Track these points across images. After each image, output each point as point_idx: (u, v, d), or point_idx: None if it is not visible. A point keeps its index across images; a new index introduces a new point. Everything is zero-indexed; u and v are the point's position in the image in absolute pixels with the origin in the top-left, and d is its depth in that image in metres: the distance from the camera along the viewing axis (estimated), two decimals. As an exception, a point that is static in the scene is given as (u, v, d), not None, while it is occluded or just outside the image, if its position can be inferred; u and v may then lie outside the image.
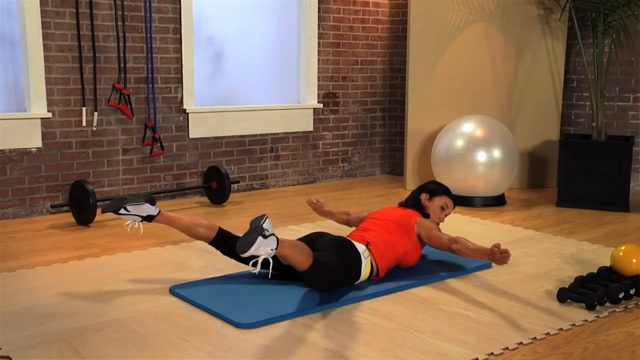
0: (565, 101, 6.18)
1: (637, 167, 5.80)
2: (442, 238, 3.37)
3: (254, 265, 2.68)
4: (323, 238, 3.20)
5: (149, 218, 3.23)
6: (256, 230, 2.64)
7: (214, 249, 3.34)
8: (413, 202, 3.68)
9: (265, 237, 2.63)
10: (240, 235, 3.38)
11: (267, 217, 2.74)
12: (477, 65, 5.84)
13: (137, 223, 3.23)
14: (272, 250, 2.67)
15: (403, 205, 3.71)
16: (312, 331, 2.71)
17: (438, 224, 3.62)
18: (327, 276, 3.00)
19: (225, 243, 3.27)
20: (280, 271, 3.14)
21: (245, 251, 2.60)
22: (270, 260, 2.78)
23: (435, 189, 3.70)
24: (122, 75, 5.04)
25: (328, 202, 5.34)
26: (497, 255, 3.07)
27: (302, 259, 2.83)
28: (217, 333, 2.69)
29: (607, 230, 4.45)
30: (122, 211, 3.16)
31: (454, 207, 3.74)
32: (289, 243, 2.80)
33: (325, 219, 4.70)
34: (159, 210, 3.25)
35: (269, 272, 2.89)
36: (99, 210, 4.75)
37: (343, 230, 4.03)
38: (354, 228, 3.91)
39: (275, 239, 2.68)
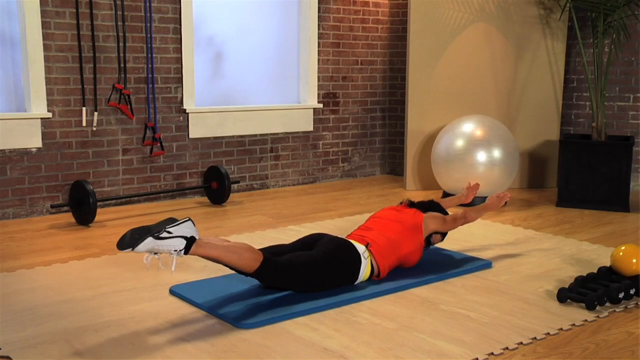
0: (565, 101, 6.18)
1: (637, 167, 5.80)
2: (456, 219, 3.61)
3: (174, 267, 2.68)
4: (323, 239, 3.20)
5: (190, 242, 2.70)
6: (147, 230, 2.61)
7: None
8: (416, 203, 3.67)
9: (158, 238, 2.61)
10: (239, 237, 3.39)
11: (186, 221, 2.71)
12: (477, 65, 5.84)
13: (172, 253, 2.65)
14: (175, 251, 2.66)
15: (403, 204, 3.69)
16: (312, 331, 2.71)
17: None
18: (290, 276, 2.97)
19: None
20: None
21: (123, 248, 2.57)
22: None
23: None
24: (122, 75, 5.04)
25: (328, 202, 5.35)
26: (495, 200, 3.74)
27: (239, 263, 2.83)
28: (217, 333, 2.69)
29: (607, 230, 4.45)
30: (163, 234, 2.62)
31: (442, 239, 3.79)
32: (220, 246, 2.79)
33: (324, 220, 4.70)
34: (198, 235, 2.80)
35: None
36: (99, 210, 4.75)
37: (343, 230, 4.03)
38: (355, 228, 3.91)
39: (182, 241, 2.66)
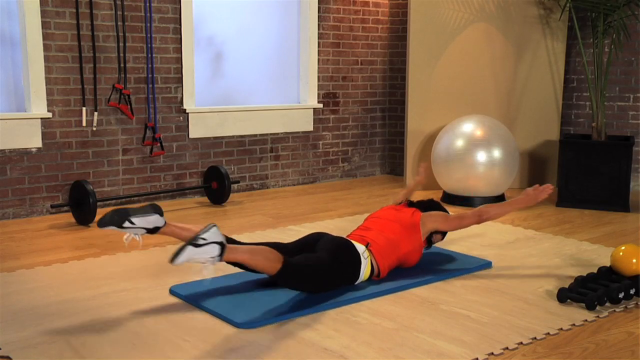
0: (565, 101, 6.18)
1: (637, 167, 5.80)
2: (465, 216, 3.45)
3: (204, 271, 2.70)
4: (323, 238, 3.20)
5: (154, 230, 2.96)
6: (188, 240, 2.63)
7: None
8: (415, 203, 3.67)
9: (197, 245, 2.61)
10: (239, 237, 3.39)
11: (212, 226, 2.70)
12: (477, 65, 5.84)
13: (138, 236, 2.93)
14: (212, 258, 2.66)
15: (403, 204, 3.70)
16: (312, 331, 2.71)
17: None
18: (306, 278, 2.98)
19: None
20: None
21: (173, 261, 2.59)
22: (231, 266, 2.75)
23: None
24: (122, 75, 5.04)
25: (328, 202, 5.35)
26: (539, 194, 3.28)
27: (264, 265, 2.83)
28: (217, 333, 2.69)
29: (607, 230, 4.45)
30: (126, 224, 2.84)
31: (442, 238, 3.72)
32: (246, 250, 2.80)
33: (324, 220, 4.70)
34: (165, 221, 3.02)
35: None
36: (99, 210, 4.75)
37: (342, 230, 4.03)
38: (354, 228, 3.91)
39: (217, 247, 2.66)
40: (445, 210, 3.70)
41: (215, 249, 2.67)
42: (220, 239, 2.71)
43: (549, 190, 3.32)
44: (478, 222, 3.46)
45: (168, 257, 2.64)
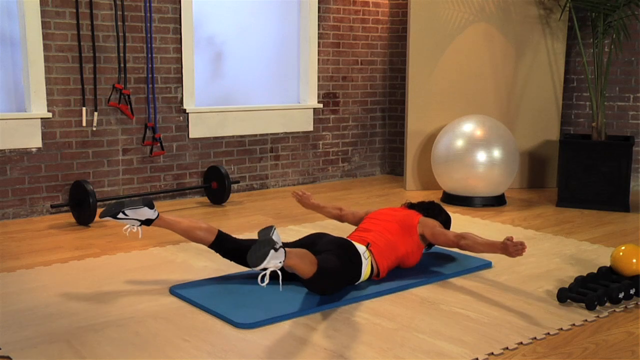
0: (565, 101, 6.18)
1: (637, 167, 5.80)
2: (448, 235, 3.41)
3: (263, 279, 2.66)
4: (324, 239, 3.20)
5: (147, 222, 3.20)
6: (268, 243, 2.60)
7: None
8: (415, 205, 3.67)
9: (276, 250, 2.61)
10: (239, 237, 3.39)
11: (275, 228, 2.70)
12: (477, 65, 5.84)
13: (135, 227, 3.21)
14: (280, 262, 2.65)
15: (407, 206, 3.70)
16: (312, 331, 2.71)
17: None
18: (330, 282, 2.99)
19: (225, 246, 3.25)
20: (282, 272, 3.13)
21: (259, 264, 2.57)
22: (279, 273, 2.78)
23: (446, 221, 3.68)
24: (122, 75, 5.04)
25: (328, 203, 5.34)
26: (511, 248, 3.11)
27: (307, 268, 2.82)
28: (217, 333, 2.69)
29: (607, 230, 4.45)
30: (120, 215, 3.13)
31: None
32: (295, 253, 2.77)
33: (324, 220, 4.70)
34: (158, 214, 3.23)
35: (279, 284, 2.89)
36: (99, 210, 4.75)
37: (343, 231, 4.03)
38: (354, 228, 3.91)
39: (283, 251, 2.66)
40: (446, 212, 3.70)
41: (282, 254, 2.66)
42: (281, 242, 2.70)
43: (524, 248, 3.11)
44: (457, 247, 3.40)
45: (250, 260, 2.58)
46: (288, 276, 3.16)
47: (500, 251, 3.19)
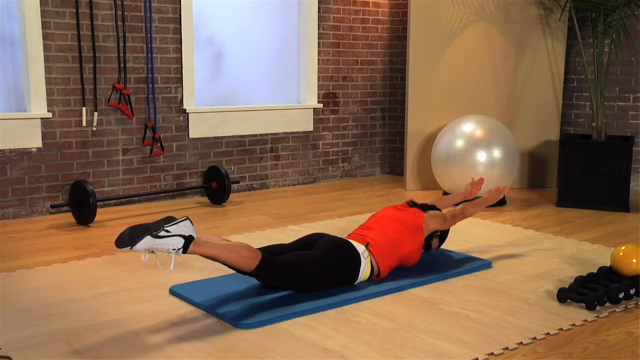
0: (565, 101, 6.18)
1: (637, 167, 5.80)
2: (455, 215, 3.63)
3: (173, 265, 2.69)
4: (322, 239, 3.20)
5: (189, 241, 2.70)
6: (146, 229, 2.62)
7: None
8: (416, 203, 3.67)
9: (156, 237, 2.62)
10: (239, 237, 3.39)
11: (184, 219, 2.71)
12: (477, 65, 5.84)
13: (171, 252, 2.66)
14: (173, 249, 2.66)
15: (409, 204, 3.69)
16: (312, 331, 2.71)
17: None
18: (290, 276, 2.98)
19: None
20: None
21: (121, 246, 2.58)
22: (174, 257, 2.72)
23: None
24: (122, 75, 5.04)
25: (328, 202, 5.35)
26: (494, 193, 3.78)
27: (238, 262, 2.84)
28: (217, 333, 2.69)
29: (607, 230, 4.45)
30: (162, 233, 2.62)
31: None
32: (218, 245, 2.80)
33: (324, 220, 4.70)
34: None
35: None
36: (99, 210, 4.75)
37: (343, 230, 4.03)
38: (355, 227, 3.91)
39: (181, 240, 2.67)
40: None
41: (179, 242, 2.66)
42: (189, 232, 2.71)
43: (506, 190, 3.84)
44: (462, 219, 3.69)
45: (118, 240, 2.58)
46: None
47: (489, 201, 3.77)
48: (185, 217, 2.75)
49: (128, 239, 2.59)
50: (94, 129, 4.97)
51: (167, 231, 2.65)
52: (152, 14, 5.12)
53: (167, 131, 5.32)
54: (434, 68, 5.80)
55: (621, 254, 3.23)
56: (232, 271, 3.36)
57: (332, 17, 6.18)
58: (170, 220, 2.70)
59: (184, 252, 2.70)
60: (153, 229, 2.63)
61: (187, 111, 5.38)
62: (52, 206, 4.60)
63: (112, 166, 5.09)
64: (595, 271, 3.33)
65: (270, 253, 3.01)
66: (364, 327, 2.75)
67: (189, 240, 2.71)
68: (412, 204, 3.67)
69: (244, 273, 2.93)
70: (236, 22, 5.70)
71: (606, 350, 2.57)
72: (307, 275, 3.01)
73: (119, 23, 4.98)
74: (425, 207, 3.63)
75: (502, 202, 5.29)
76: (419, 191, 5.86)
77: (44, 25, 4.69)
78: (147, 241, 2.61)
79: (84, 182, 4.50)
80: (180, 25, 5.28)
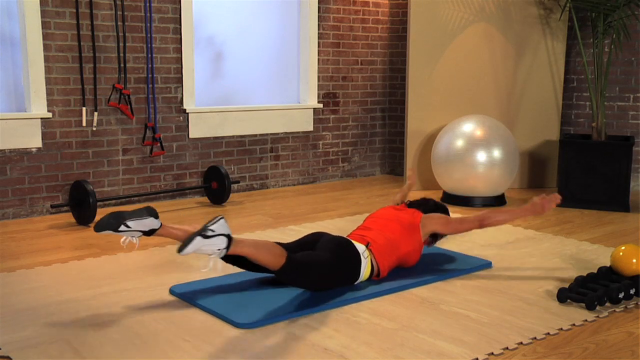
0: (565, 101, 6.18)
1: (637, 167, 5.80)
2: (466, 220, 3.43)
3: (208, 265, 2.72)
4: (323, 238, 3.20)
5: (150, 232, 2.97)
6: (197, 231, 2.65)
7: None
8: (414, 203, 3.68)
9: (206, 237, 2.63)
10: (239, 237, 3.39)
11: (221, 218, 2.72)
12: (477, 65, 5.84)
13: (135, 238, 2.94)
14: (219, 250, 2.68)
15: (406, 204, 3.70)
16: (312, 331, 2.71)
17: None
18: (308, 274, 2.98)
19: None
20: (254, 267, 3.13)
21: (181, 251, 2.61)
22: (222, 261, 2.76)
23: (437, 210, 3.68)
24: (122, 75, 5.04)
25: (328, 202, 5.35)
26: (546, 204, 3.24)
27: (269, 259, 2.84)
28: (217, 333, 2.69)
29: (607, 230, 4.45)
30: (122, 228, 2.84)
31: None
32: (250, 243, 2.81)
33: (324, 220, 4.71)
34: (161, 223, 3.03)
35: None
36: (99, 211, 4.75)
37: (343, 230, 4.03)
38: (354, 227, 3.91)
39: (224, 239, 2.69)
40: (447, 210, 3.71)
41: (223, 241, 2.69)
42: (228, 231, 2.73)
43: (557, 200, 3.26)
44: (479, 227, 3.43)
45: (176, 247, 2.65)
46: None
47: (531, 213, 3.27)
48: (221, 216, 2.75)
49: (182, 246, 2.61)
50: (94, 129, 4.97)
51: (212, 230, 2.66)
52: (152, 14, 5.12)
53: (167, 131, 5.32)
54: (434, 68, 5.80)
55: (621, 254, 3.23)
56: (231, 271, 3.37)
57: (332, 17, 6.18)
58: (214, 219, 2.72)
59: (227, 251, 2.72)
60: (202, 230, 2.63)
61: (187, 111, 5.38)
62: (52, 206, 4.60)
63: (112, 166, 5.09)
64: (595, 271, 3.33)
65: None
66: (364, 327, 2.75)
67: (230, 239, 2.72)
68: (411, 204, 3.67)
69: (269, 271, 2.94)
70: (236, 22, 5.70)
71: (606, 350, 2.57)
72: (319, 274, 3.02)
73: (119, 23, 4.98)
74: (426, 208, 3.63)
75: (502, 202, 5.29)
76: (419, 191, 5.86)
77: (44, 25, 4.69)
78: (198, 242, 2.62)
79: (84, 182, 4.50)
80: (180, 25, 5.28)
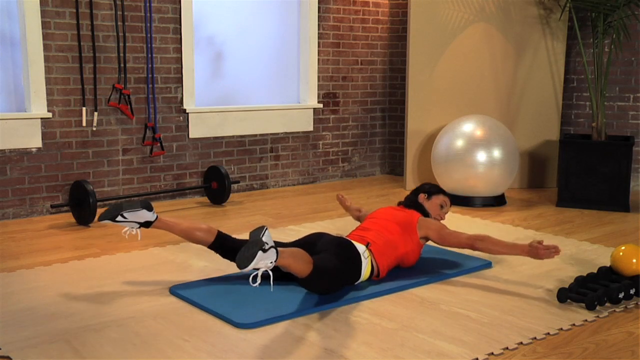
0: (565, 101, 6.18)
1: (637, 167, 5.80)
2: (460, 237, 3.39)
3: (254, 279, 2.64)
4: (323, 238, 3.20)
5: (146, 224, 3.18)
6: (256, 243, 2.59)
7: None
8: (412, 203, 3.68)
9: (265, 250, 2.59)
10: (239, 237, 3.39)
11: (266, 229, 2.68)
12: (477, 65, 5.84)
13: (134, 230, 3.18)
14: (271, 263, 2.64)
15: (402, 204, 3.71)
16: (312, 331, 2.71)
17: (440, 221, 3.63)
18: (328, 281, 2.98)
19: (225, 246, 3.25)
20: (278, 272, 3.13)
21: (246, 266, 2.56)
22: (270, 273, 2.75)
23: (431, 188, 3.75)
24: (122, 75, 5.04)
25: (328, 202, 5.35)
26: (542, 251, 3.15)
27: (302, 267, 2.81)
28: (217, 333, 2.69)
29: (607, 230, 4.45)
30: (119, 218, 3.11)
31: (451, 205, 3.77)
32: (289, 253, 2.76)
33: (324, 220, 4.71)
34: (157, 216, 3.21)
35: (270, 285, 2.84)
36: (99, 211, 4.75)
37: (343, 230, 4.03)
38: (353, 228, 3.91)
39: (274, 251, 2.65)
40: (446, 193, 3.74)
41: (274, 254, 2.64)
42: (273, 243, 2.69)
43: (557, 252, 3.16)
44: (471, 248, 3.38)
45: (238, 262, 2.57)
46: (285, 276, 3.16)
47: (527, 254, 3.20)
48: (265, 227, 2.69)
49: (246, 258, 2.57)
50: (94, 129, 4.97)
51: (267, 243, 2.62)
52: (152, 14, 5.12)
53: (167, 131, 5.32)
54: (434, 68, 5.80)
55: (621, 254, 3.23)
56: (231, 271, 3.37)
57: (332, 17, 6.18)
58: (262, 230, 2.66)
59: (274, 264, 2.67)
60: (261, 244, 2.58)
61: (187, 111, 5.38)
62: (52, 206, 4.60)
63: (112, 166, 5.09)
64: (595, 271, 3.33)
65: None
66: (364, 327, 2.75)
67: (277, 251, 2.68)
68: (408, 205, 3.67)
69: (296, 279, 2.91)
70: (236, 22, 5.70)
71: (606, 350, 2.57)
72: (334, 278, 3.01)
73: (119, 23, 4.98)
74: (422, 209, 3.64)
75: (502, 202, 5.29)
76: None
77: (44, 25, 4.69)
78: (260, 257, 2.57)
79: (84, 182, 4.50)
80: (180, 25, 5.28)
